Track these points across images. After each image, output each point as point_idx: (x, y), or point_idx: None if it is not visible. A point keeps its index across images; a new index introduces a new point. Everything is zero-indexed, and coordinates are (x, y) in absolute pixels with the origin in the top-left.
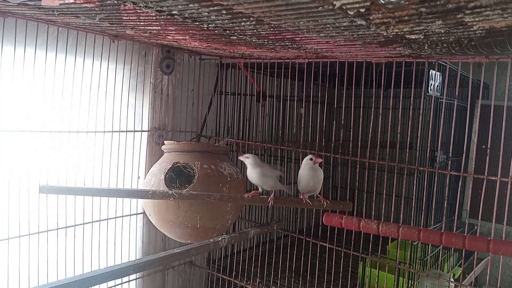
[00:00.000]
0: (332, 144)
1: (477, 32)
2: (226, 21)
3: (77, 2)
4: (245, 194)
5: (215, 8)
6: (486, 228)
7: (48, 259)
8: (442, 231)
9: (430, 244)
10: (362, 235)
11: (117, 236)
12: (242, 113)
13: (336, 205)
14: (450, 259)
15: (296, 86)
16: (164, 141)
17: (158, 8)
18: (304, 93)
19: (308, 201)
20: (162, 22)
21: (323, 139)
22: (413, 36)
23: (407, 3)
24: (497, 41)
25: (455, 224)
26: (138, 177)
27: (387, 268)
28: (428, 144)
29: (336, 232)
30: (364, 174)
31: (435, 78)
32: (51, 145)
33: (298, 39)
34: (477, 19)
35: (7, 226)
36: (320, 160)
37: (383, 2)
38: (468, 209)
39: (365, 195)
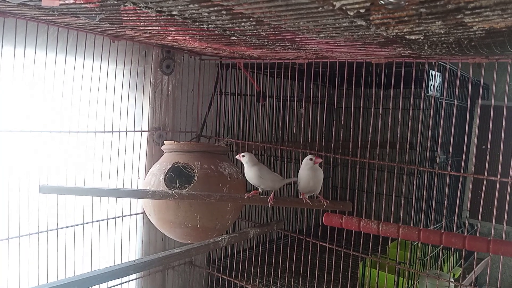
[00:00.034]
0: (332, 144)
1: (477, 32)
2: (226, 21)
3: (77, 2)
4: (245, 194)
5: (215, 8)
6: (486, 228)
7: (48, 259)
8: (442, 231)
9: (430, 244)
10: (362, 235)
11: (117, 236)
12: (242, 113)
13: (336, 205)
14: (450, 259)
15: (296, 86)
16: (164, 141)
17: (158, 9)
18: (304, 94)
19: (308, 201)
20: (162, 23)
21: (323, 139)
22: (413, 37)
23: (407, 3)
24: (497, 42)
25: (455, 224)
26: (138, 177)
27: (387, 268)
28: (428, 144)
29: (336, 232)
30: (364, 174)
31: (435, 79)
32: (51, 145)
33: (298, 39)
34: (477, 20)
35: (7, 226)
36: (320, 160)
37: (383, 2)
38: (468, 209)
39: (365, 195)
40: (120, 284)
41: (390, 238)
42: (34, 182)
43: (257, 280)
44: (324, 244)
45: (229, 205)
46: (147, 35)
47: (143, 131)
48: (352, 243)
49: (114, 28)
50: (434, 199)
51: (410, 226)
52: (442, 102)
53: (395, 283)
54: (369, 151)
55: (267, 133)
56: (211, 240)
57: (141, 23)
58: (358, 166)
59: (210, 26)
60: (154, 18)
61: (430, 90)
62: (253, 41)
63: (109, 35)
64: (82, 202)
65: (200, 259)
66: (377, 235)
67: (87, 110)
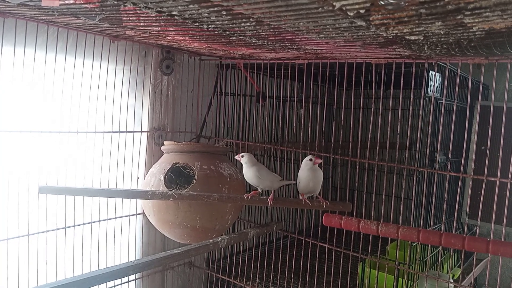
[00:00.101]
0: (332, 145)
1: (476, 33)
2: (226, 22)
3: (77, 2)
4: (244, 194)
5: (215, 9)
6: (486, 229)
7: (48, 260)
8: (442, 232)
9: (429, 245)
10: (361, 235)
11: (117, 237)
12: (241, 113)
13: (335, 206)
14: (450, 260)
15: (296, 86)
16: (164, 142)
17: (158, 9)
18: (304, 94)
19: (308, 201)
20: (162, 23)
21: (323, 140)
22: (412, 37)
23: (406, 4)
24: (496, 42)
25: (454, 225)
26: (138, 178)
27: (386, 268)
28: (428, 145)
29: (335, 233)
30: (363, 175)
31: (435, 79)
32: (51, 145)
33: (298, 40)
34: (476, 20)
35: (7, 227)
36: (319, 160)
37: (383, 3)
38: (467, 210)
39: (364, 195)
40: (119, 284)
41: (389, 238)
42: (34, 182)
43: (257, 280)
44: (323, 244)
45: (229, 206)
46: (147, 35)
47: (143, 131)
48: (352, 243)
49: (114, 28)
50: (433, 199)
51: (410, 226)
52: (442, 102)
53: (395, 283)
54: (369, 152)
55: (267, 134)
56: (211, 240)
57: (141, 24)
58: (357, 167)
59: (210, 26)
60: (154, 18)
61: (430, 91)
62: (253, 41)
63: (109, 35)
64: (82, 202)
65: (199, 259)
66: (376, 236)
67: (87, 110)
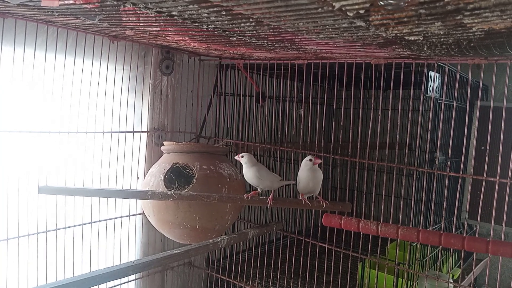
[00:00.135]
0: (332, 145)
1: (476, 33)
2: (226, 22)
3: (76, 3)
4: (244, 195)
5: (215, 9)
6: (485, 229)
7: (47, 260)
8: (441, 232)
9: (429, 245)
10: (361, 236)
11: (116, 237)
12: (241, 114)
13: (335, 206)
14: (449, 260)
15: (296, 87)
16: (164, 142)
17: (158, 9)
18: (304, 94)
19: (308, 202)
20: (161, 23)
21: (323, 140)
22: (412, 38)
23: (406, 4)
24: (496, 43)
25: (454, 225)
26: (138, 178)
27: (386, 269)
28: (427, 145)
29: (335, 233)
30: (363, 175)
31: (434, 79)
32: (51, 145)
33: (297, 40)
34: (476, 21)
35: (6, 227)
36: (319, 161)
37: (382, 3)
38: (467, 210)
39: (364, 196)
40: (119, 284)
41: (389, 239)
42: (34, 182)
43: (257, 281)
44: (323, 245)
45: (229, 206)
46: (146, 35)
47: (143, 131)
48: (351, 244)
49: (113, 29)
50: (433, 200)
51: (409, 227)
52: (441, 103)
53: (394, 284)
54: (369, 152)
55: (267, 134)
56: (210, 240)
57: (141, 24)
58: (357, 167)
59: (209, 26)
60: (154, 18)
61: (429, 91)
62: (253, 41)
63: (108, 35)
64: (82, 202)
65: (199, 259)
66: (376, 236)
67: (87, 110)
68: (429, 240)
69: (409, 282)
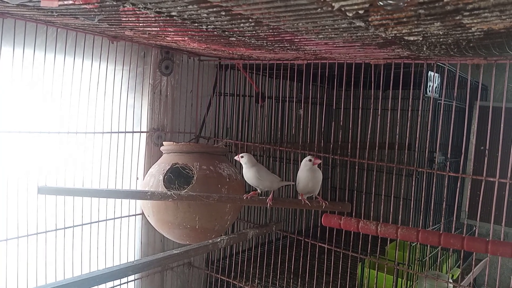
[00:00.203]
0: (331, 145)
1: (475, 34)
2: (225, 22)
3: (76, 3)
4: (244, 195)
5: (214, 9)
6: (485, 229)
7: (47, 260)
8: (441, 232)
9: (428, 245)
10: (361, 236)
11: (116, 237)
12: (241, 114)
13: (335, 206)
14: (449, 260)
15: (295, 87)
16: (163, 142)
17: (157, 10)
18: (303, 94)
19: (307, 202)
20: (161, 23)
21: (322, 140)
22: (411, 38)
23: (405, 5)
24: (495, 43)
25: (453, 225)
26: (137, 178)
27: (385, 269)
28: (427, 145)
29: (335, 233)
30: (363, 175)
31: (434, 80)
32: (50, 146)
33: (297, 40)
34: (475, 21)
35: (6, 227)
36: (319, 161)
37: (381, 3)
38: (466, 210)
39: (363, 196)
40: (119, 285)
41: (388, 239)
42: (33, 183)
43: (256, 281)
44: (323, 245)
45: (228, 206)
46: (146, 36)
47: (142, 132)
48: (351, 244)
49: (113, 29)
50: (432, 200)
51: (409, 227)
52: (441, 103)
53: (394, 284)
54: (368, 152)
55: (266, 134)
56: (210, 241)
57: (140, 24)
58: (357, 167)
59: (209, 27)
60: (153, 19)
61: (429, 91)
62: (252, 42)
63: (108, 35)
64: (81, 203)
65: (199, 260)
66: (375, 236)
67: (86, 110)
68: (429, 240)
69: (408, 282)
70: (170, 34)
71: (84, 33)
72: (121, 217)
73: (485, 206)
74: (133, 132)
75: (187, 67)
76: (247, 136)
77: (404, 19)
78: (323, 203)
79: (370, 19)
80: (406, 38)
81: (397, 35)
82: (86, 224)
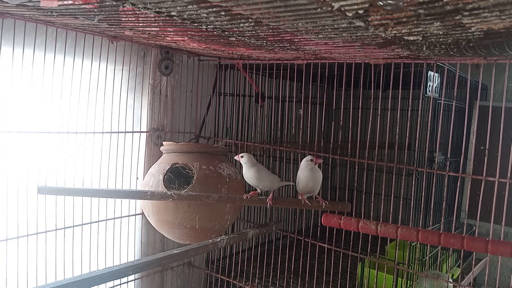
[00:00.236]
0: (331, 145)
1: (475, 33)
2: (225, 22)
3: (75, 3)
4: (244, 195)
5: (214, 9)
6: (485, 229)
7: (47, 260)
8: (441, 231)
9: (428, 245)
10: (360, 235)
11: (116, 237)
12: (240, 114)
13: (334, 206)
14: (449, 259)
15: (295, 87)
16: (163, 142)
17: (157, 9)
18: (303, 94)
19: (307, 201)
20: (161, 23)
21: (322, 140)
22: (411, 38)
23: (405, 4)
24: (495, 43)
25: (453, 225)
26: (137, 178)
27: (385, 268)
28: (427, 145)
29: (335, 233)
30: (362, 175)
31: (434, 79)
32: (50, 146)
33: (296, 40)
34: (475, 21)
35: (6, 227)
36: (320, 160)
37: (381, 3)
38: (466, 209)
39: (363, 195)
40: (119, 285)
41: (388, 238)
42: (33, 183)
43: (256, 280)
44: (323, 244)
45: (228, 206)
46: (146, 36)
47: (142, 132)
48: (351, 243)
49: (112, 29)
50: (432, 199)
51: (409, 226)
52: (441, 103)
53: (394, 283)
54: (368, 152)
55: (266, 134)
56: (210, 240)
57: (140, 24)
58: (357, 167)
59: (209, 27)
60: (153, 19)
61: (429, 91)
62: (252, 42)
63: (107, 35)
64: (81, 203)
65: (199, 260)
66: (375, 236)
67: (86, 110)
68: (429, 240)
69: (408, 281)
70: (169, 34)
71: (84, 33)
72: (121, 217)
73: (485, 205)
74: (133, 132)
75: (187, 67)
76: (247, 136)
77: (404, 19)
78: (323, 203)
79: (369, 19)
80: (405, 38)
81: (397, 35)
82: (86, 224)
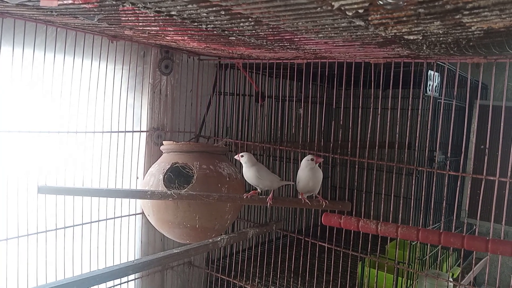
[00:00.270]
0: (331, 144)
1: (475, 32)
2: (225, 21)
3: (75, 2)
4: (244, 194)
5: (214, 8)
6: (485, 228)
7: (47, 260)
8: (441, 231)
9: (429, 244)
10: (361, 235)
11: (116, 237)
12: (240, 113)
13: (335, 205)
14: (449, 258)
15: (295, 86)
16: (163, 142)
17: (157, 9)
18: (303, 94)
19: (307, 201)
20: (160, 23)
21: (322, 139)
22: (411, 37)
23: (405, 4)
24: (495, 42)
25: (453, 224)
26: (137, 178)
27: (386, 268)
28: (427, 144)
29: (335, 232)
30: (363, 174)
31: (434, 79)
32: (50, 145)
33: (296, 39)
34: (475, 20)
35: (6, 227)
36: (321, 159)
37: (381, 3)
38: (466, 209)
39: (364, 195)
40: (119, 284)
41: (389, 238)
42: (33, 182)
43: (256, 280)
44: (323, 244)
45: (228, 205)
46: (145, 35)
47: (142, 131)
48: (351, 243)
49: (112, 28)
50: (432, 199)
51: (409, 226)
52: (441, 102)
53: (394, 282)
54: (368, 151)
55: (266, 133)
56: (210, 240)
57: (140, 23)
58: (357, 166)
59: (208, 26)
60: (153, 18)
61: (429, 90)
62: (252, 41)
63: (107, 35)
64: (81, 202)
65: (199, 259)
66: (376, 235)
67: (86, 110)
68: (429, 239)
69: (409, 281)
70: (169, 34)
71: (84, 32)
72: (121, 216)
73: (485, 205)
74: (133, 131)
75: (187, 67)
76: (247, 135)
77: (404, 18)
78: (323, 202)
79: (369, 18)
80: (406, 37)
81: (397, 34)
82: (86, 223)
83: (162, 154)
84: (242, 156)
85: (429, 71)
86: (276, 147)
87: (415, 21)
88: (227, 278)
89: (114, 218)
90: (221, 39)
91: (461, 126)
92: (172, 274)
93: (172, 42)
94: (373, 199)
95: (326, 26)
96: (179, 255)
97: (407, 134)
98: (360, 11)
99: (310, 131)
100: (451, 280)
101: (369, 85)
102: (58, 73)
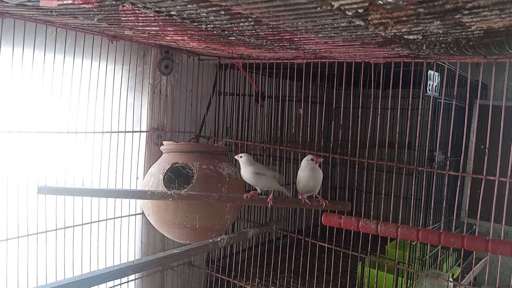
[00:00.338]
0: (331, 144)
1: (475, 32)
2: (225, 21)
3: (75, 2)
4: (244, 194)
5: (214, 8)
6: (485, 228)
7: (47, 260)
8: (441, 231)
9: (429, 244)
10: (361, 235)
11: (116, 237)
12: (240, 113)
13: (335, 205)
14: (449, 258)
15: (295, 86)
16: (163, 142)
17: (157, 9)
18: (303, 94)
19: (307, 201)
20: (160, 23)
21: (322, 139)
22: (411, 37)
23: (405, 3)
24: (495, 42)
25: (453, 224)
26: (137, 178)
27: (386, 268)
28: (427, 144)
29: (335, 232)
30: (363, 174)
31: (434, 78)
32: (50, 145)
33: (296, 39)
34: (475, 20)
35: (6, 227)
36: (321, 159)
37: (381, 2)
38: (466, 209)
39: (364, 195)
40: (119, 284)
41: (389, 238)
42: (33, 182)
43: (256, 280)
44: (323, 244)
45: (228, 205)
46: (145, 35)
47: (142, 131)
48: (351, 243)
49: (112, 29)
50: (432, 198)
51: (409, 226)
52: (441, 102)
53: (394, 282)
54: (368, 151)
55: (266, 133)
56: (210, 240)
57: (140, 24)
58: (357, 166)
59: (208, 26)
60: (153, 18)
61: (429, 90)
62: (252, 41)
63: (107, 35)
64: (81, 203)
65: (199, 259)
66: (376, 235)
67: (86, 110)
68: (429, 239)
69: (409, 281)
70: (169, 34)
71: (84, 32)
72: (121, 216)
73: (485, 204)
74: (133, 131)
75: (187, 67)
76: (247, 135)
77: (404, 18)
78: (323, 202)
79: (369, 18)
80: (405, 37)
81: (397, 34)
82: (86, 224)
83: (162, 154)
84: (241, 157)
85: (429, 71)
86: (276, 147)
87: (415, 21)
88: (227, 278)
89: (114, 218)
90: (221, 39)
91: (461, 126)
92: (172, 274)
93: (172, 42)
94: (373, 199)
95: (326, 26)
96: (179, 255)
97: (407, 134)
98: (360, 10)
99: (310, 131)
100: (451, 280)
101: (369, 85)
102: (58, 73)
